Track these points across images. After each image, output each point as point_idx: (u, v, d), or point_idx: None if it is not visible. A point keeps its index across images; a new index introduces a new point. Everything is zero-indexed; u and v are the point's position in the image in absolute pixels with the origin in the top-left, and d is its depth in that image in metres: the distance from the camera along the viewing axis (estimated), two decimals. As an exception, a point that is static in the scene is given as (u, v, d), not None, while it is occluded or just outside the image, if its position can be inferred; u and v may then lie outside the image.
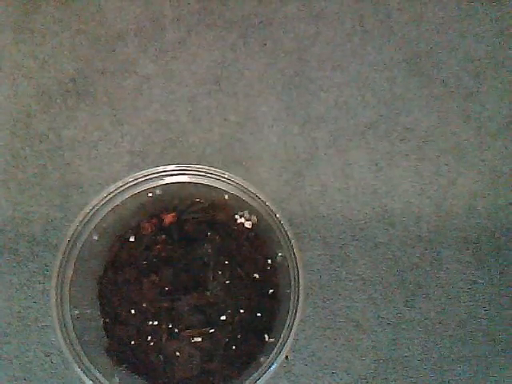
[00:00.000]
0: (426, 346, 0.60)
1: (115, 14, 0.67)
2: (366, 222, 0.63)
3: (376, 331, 0.61)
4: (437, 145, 0.65)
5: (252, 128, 0.65)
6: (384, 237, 0.62)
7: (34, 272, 0.61)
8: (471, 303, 0.61)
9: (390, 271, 0.62)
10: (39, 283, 0.61)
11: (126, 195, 0.52)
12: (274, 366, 0.48)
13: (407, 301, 0.61)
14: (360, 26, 0.67)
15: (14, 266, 0.61)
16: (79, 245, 0.51)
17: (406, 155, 0.64)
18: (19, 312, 0.60)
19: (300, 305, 0.49)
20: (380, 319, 0.61)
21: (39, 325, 0.60)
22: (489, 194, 0.64)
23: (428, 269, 0.62)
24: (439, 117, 0.65)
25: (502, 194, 0.64)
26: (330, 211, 0.63)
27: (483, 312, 0.61)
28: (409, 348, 0.60)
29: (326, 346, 0.60)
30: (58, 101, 0.65)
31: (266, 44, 0.67)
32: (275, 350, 0.49)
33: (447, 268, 0.62)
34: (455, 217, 0.63)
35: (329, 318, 0.61)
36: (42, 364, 0.59)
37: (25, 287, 0.61)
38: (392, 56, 0.67)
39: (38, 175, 0.63)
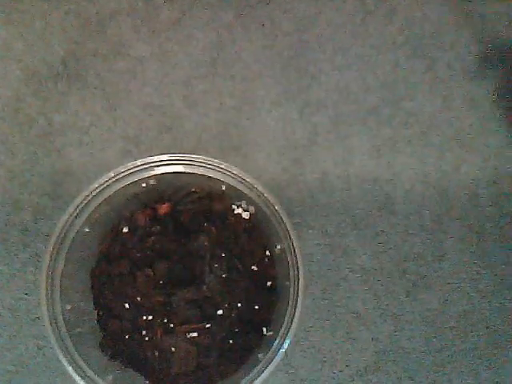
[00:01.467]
0: (427, 338, 0.59)
1: (107, -8, 0.64)
2: (366, 211, 0.61)
3: (376, 322, 0.59)
4: (440, 130, 0.62)
5: (249, 113, 0.62)
6: (385, 226, 0.60)
7: (25, 262, 0.59)
8: (474, 294, 0.60)
9: (391, 261, 0.60)
10: (31, 273, 0.59)
11: (119, 186, 0.50)
12: (273, 362, 0.47)
13: (408, 292, 0.60)
14: (362, 6, 0.64)
15: (5, 256, 0.59)
16: (70, 237, 0.49)
17: (409, 141, 0.62)
18: (10, 303, 0.59)
19: (300, 299, 0.48)
20: (381, 310, 0.59)
21: (31, 317, 0.58)
22: (493, 181, 0.62)
23: (430, 259, 0.60)
24: (443, 101, 0.63)
25: (507, 182, 0.62)
26: (330, 199, 0.61)
27: (486, 303, 0.60)
28: (410, 340, 0.59)
29: (325, 338, 0.59)
30: (48, 84, 0.63)
31: (263, 24, 0.64)
32: (275, 345, 0.47)
33: (450, 258, 0.60)
34: (458, 205, 0.61)
35: (328, 309, 0.59)
36: (35, 357, 0.58)
37: (16, 278, 0.59)
38: (395, 37, 0.64)
39: (28, 162, 0.61)
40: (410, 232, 0.61)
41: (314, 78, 0.63)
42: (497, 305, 0.60)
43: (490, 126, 0.63)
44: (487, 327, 0.59)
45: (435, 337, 0.59)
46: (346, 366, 0.58)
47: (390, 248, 0.60)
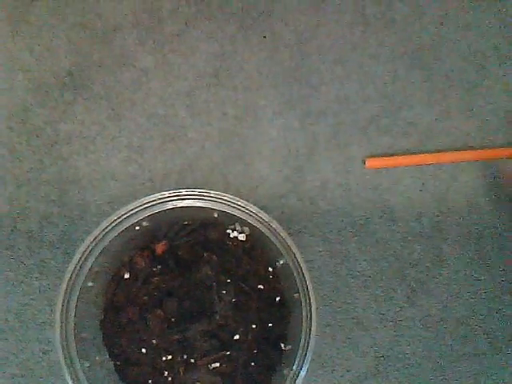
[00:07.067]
0: (426, 343, 0.60)
1: (112, 5, 0.66)
2: (366, 218, 0.62)
3: (377, 328, 0.60)
4: (439, 139, 0.64)
5: (251, 122, 0.64)
6: (385, 233, 0.61)
7: (31, 268, 0.60)
8: (473, 300, 0.61)
9: (390, 268, 0.61)
10: (36, 279, 0.60)
11: (113, 235, 0.50)
12: (300, 377, 0.48)
13: (408, 298, 0.60)
14: (361, 18, 0.66)
15: (11, 262, 0.61)
16: (75, 295, 0.50)
17: (408, 150, 0.63)
18: (16, 309, 0.60)
19: (313, 310, 0.49)
20: (381, 316, 0.60)
21: (36, 322, 0.59)
22: (491, 189, 0.63)
23: (429, 265, 0.61)
24: (441, 111, 0.64)
25: (505, 189, 0.63)
26: (331, 207, 0.62)
27: (485, 309, 0.61)
28: (409, 345, 0.60)
29: (325, 344, 0.60)
30: (54, 94, 0.64)
31: (265, 36, 0.66)
32: (297, 360, 0.48)
33: (449, 264, 0.61)
34: (457, 212, 0.62)
35: (329, 315, 0.60)
36: (40, 361, 0.59)
37: (22, 284, 0.60)
38: (394, 48, 0.65)
39: (35, 170, 0.62)
40: (409, 239, 0.62)
41: (315, 88, 0.65)
42: (495, 310, 0.61)
43: (488, 135, 0.64)
44: (487, 332, 0.60)
45: (435, 342, 0.60)
46: (347, 371, 0.59)
47: (390, 254, 0.61)
